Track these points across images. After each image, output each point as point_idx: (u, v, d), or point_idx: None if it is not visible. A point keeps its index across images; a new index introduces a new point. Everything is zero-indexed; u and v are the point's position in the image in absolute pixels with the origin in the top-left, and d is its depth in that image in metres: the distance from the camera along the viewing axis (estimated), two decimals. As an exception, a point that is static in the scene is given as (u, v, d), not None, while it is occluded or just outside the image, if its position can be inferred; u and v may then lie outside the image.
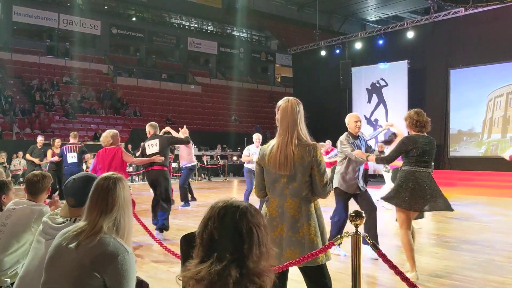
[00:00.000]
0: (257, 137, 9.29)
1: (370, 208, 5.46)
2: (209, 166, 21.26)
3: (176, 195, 9.96)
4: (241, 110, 28.77)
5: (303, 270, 2.92)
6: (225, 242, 1.47)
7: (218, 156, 22.76)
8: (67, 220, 2.60)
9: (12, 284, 2.65)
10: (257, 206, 1.80)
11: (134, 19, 30.82)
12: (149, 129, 7.35)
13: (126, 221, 2.18)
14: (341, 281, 4.35)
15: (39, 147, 11.78)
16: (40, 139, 11.91)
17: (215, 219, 1.50)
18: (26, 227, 3.28)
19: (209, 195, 13.54)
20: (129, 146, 19.09)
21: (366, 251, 4.78)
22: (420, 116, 4.69)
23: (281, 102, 2.99)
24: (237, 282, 1.45)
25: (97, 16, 28.46)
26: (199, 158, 20.32)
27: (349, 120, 5.68)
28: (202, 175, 20.62)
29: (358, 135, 5.67)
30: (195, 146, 21.01)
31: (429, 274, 4.86)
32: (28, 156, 11.74)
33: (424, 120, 4.70)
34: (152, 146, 7.07)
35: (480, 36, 16.50)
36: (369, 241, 2.74)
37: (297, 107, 2.94)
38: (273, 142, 2.96)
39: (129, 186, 4.81)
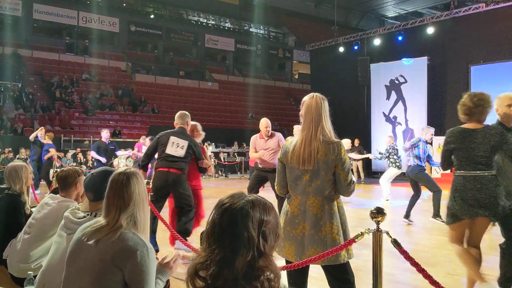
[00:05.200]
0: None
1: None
2: (226, 163, 21.31)
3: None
4: (258, 107, 28.73)
5: (326, 268, 2.91)
6: (220, 239, 1.49)
7: (235, 153, 22.79)
8: (87, 214, 2.63)
9: (34, 277, 2.68)
10: None
11: (152, 16, 30.99)
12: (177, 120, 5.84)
13: (142, 216, 2.21)
14: (361, 279, 4.31)
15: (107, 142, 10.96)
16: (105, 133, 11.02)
17: (216, 215, 1.52)
18: (54, 223, 3.29)
19: (226, 191, 13.54)
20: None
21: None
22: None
23: (305, 98, 2.98)
24: (222, 278, 1.46)
25: (116, 14, 28.70)
26: (216, 155, 20.39)
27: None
28: (219, 172, 20.66)
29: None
30: (212, 143, 21.11)
31: (448, 273, 4.81)
32: (94, 154, 10.91)
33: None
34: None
35: (501, 32, 16.20)
36: (390, 238, 2.70)
37: (322, 103, 2.93)
38: (295, 139, 2.94)
39: (148, 183, 4.85)
